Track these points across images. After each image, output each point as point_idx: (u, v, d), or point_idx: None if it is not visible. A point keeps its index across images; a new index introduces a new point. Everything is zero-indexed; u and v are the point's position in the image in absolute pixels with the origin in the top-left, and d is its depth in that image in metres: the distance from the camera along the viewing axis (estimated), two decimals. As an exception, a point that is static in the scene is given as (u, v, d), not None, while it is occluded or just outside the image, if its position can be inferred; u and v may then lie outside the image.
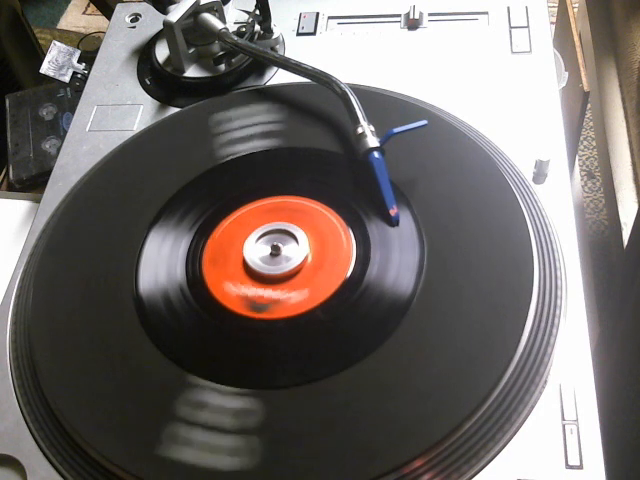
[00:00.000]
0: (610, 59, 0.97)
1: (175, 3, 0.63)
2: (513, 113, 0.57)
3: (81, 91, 0.66)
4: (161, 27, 0.63)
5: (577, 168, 1.11)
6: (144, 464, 0.42)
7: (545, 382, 0.43)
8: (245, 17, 0.65)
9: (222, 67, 0.63)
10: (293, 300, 0.47)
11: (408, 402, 0.42)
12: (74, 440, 0.44)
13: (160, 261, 0.51)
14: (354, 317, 0.46)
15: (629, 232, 0.81)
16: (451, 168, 0.53)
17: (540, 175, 0.52)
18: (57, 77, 0.68)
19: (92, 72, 0.67)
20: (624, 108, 0.91)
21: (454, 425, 0.41)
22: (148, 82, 0.65)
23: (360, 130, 0.53)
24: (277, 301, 0.47)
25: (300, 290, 0.48)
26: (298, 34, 0.67)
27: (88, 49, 1.30)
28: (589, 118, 1.25)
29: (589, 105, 1.04)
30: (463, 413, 0.41)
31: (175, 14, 0.60)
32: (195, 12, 0.62)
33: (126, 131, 0.61)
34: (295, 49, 0.65)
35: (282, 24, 0.66)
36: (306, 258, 0.49)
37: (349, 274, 0.48)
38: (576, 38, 0.80)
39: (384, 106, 0.57)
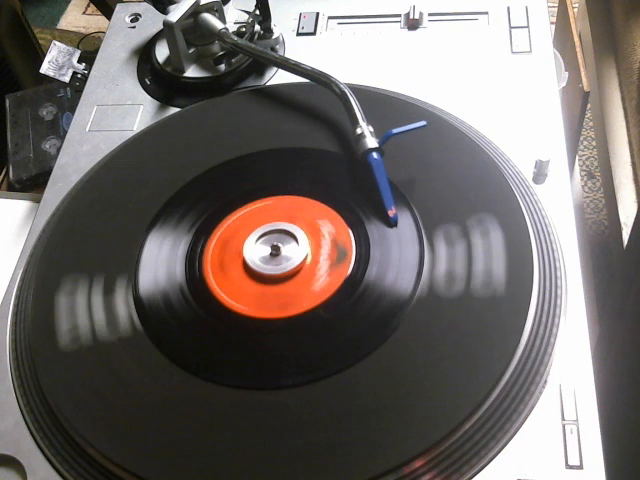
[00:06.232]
0: (610, 59, 0.97)
1: (175, 3, 0.63)
2: (513, 113, 0.57)
3: (81, 91, 0.66)
4: (161, 27, 0.63)
5: (577, 168, 1.11)
6: (144, 464, 0.42)
7: (545, 382, 0.43)
8: (245, 17, 0.65)
9: (222, 67, 0.63)
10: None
11: (408, 402, 0.42)
12: (74, 440, 0.44)
13: (160, 261, 0.51)
14: (354, 317, 0.46)
15: (629, 232, 0.81)
16: (451, 168, 0.53)
17: (540, 175, 0.52)
18: (57, 77, 0.68)
19: (92, 72, 0.67)
20: (624, 108, 0.91)
21: (454, 425, 0.41)
22: (148, 82, 0.65)
23: (359, 131, 0.53)
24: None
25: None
26: (298, 34, 0.67)
27: (88, 49, 1.30)
28: (589, 118, 1.25)
29: (589, 105, 1.04)
30: (463, 413, 0.41)
31: (175, 14, 0.60)
32: (195, 12, 0.62)
33: (126, 131, 0.61)
34: (295, 49, 0.65)
35: (282, 24, 0.66)
36: (306, 258, 0.49)
37: (349, 274, 0.48)
38: (576, 38, 0.80)
39: (384, 106, 0.57)
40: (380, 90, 0.60)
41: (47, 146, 0.77)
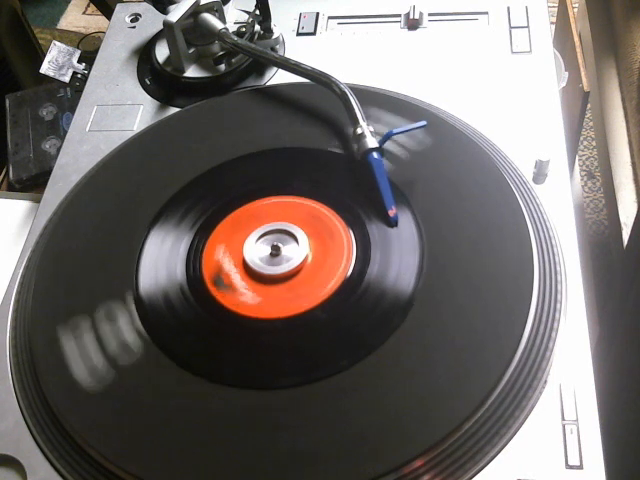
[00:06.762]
0: (610, 59, 0.97)
1: (175, 3, 0.63)
2: (513, 113, 0.57)
3: (81, 91, 0.66)
4: (161, 27, 0.63)
5: (577, 168, 1.11)
6: (144, 464, 0.42)
7: (545, 382, 0.43)
8: (245, 17, 0.65)
9: (222, 67, 0.63)
10: (244, 299, 0.48)
11: (408, 402, 0.42)
12: (74, 440, 0.44)
13: (160, 261, 0.51)
14: (354, 317, 0.46)
15: (629, 232, 0.81)
16: (451, 168, 0.53)
17: (540, 175, 0.52)
18: (57, 77, 0.68)
19: (92, 72, 0.67)
20: (624, 108, 0.91)
21: (454, 425, 0.41)
22: (148, 82, 0.65)
23: (359, 130, 0.53)
24: (234, 289, 0.48)
25: (257, 294, 0.48)
26: (298, 34, 0.67)
27: (88, 49, 1.30)
28: (589, 118, 1.25)
29: (589, 105, 1.04)
30: (463, 413, 0.41)
31: (175, 14, 0.60)
32: (195, 12, 0.62)
33: (126, 131, 0.61)
34: (295, 49, 0.65)
35: (282, 24, 0.66)
36: (306, 258, 0.49)
37: (349, 274, 0.48)
38: (576, 38, 0.80)
39: (384, 106, 0.57)
40: (380, 90, 0.60)
41: (47, 146, 0.77)
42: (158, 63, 0.64)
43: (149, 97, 0.64)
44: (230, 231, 0.51)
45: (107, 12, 1.29)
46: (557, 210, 0.51)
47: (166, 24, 0.60)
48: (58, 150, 0.63)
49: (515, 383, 0.42)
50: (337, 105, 0.56)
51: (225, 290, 0.48)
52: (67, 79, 0.68)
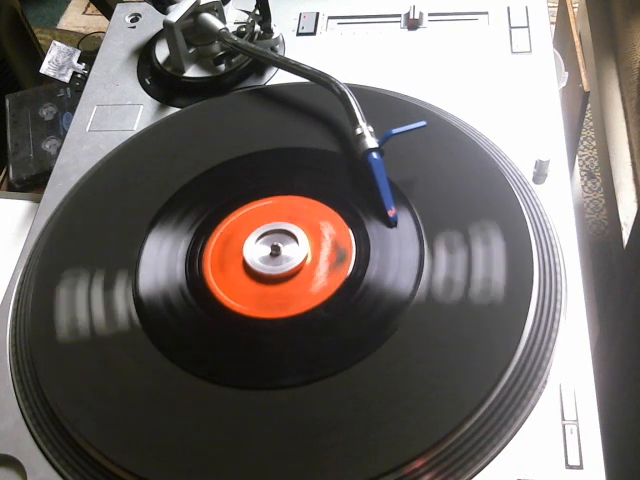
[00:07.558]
0: (610, 59, 0.97)
1: (175, 3, 0.63)
2: (513, 113, 0.57)
3: (81, 91, 0.66)
4: (161, 27, 0.63)
5: (577, 168, 1.11)
6: (144, 464, 0.42)
7: (545, 382, 0.43)
8: (245, 17, 0.66)
9: (222, 67, 0.63)
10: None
11: (408, 402, 0.42)
12: (74, 440, 0.44)
13: (160, 261, 0.51)
14: (354, 317, 0.46)
15: (629, 232, 0.81)
16: (451, 168, 0.53)
17: (540, 175, 0.52)
18: (57, 77, 0.68)
19: (92, 72, 0.67)
20: (624, 108, 0.91)
21: (454, 425, 0.41)
22: (148, 82, 0.65)
23: (359, 131, 0.53)
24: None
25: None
26: (298, 34, 0.67)
27: (88, 49, 1.30)
28: (589, 118, 1.25)
29: (589, 105, 1.04)
30: (463, 413, 0.41)
31: (175, 14, 0.60)
32: (195, 12, 0.62)
33: (126, 131, 0.61)
34: (295, 49, 0.65)
35: (282, 24, 0.66)
36: (306, 258, 0.49)
37: (349, 274, 0.48)
38: (576, 38, 0.80)
39: (384, 106, 0.57)
40: (380, 90, 0.60)
41: (47, 146, 0.77)
42: (158, 63, 0.64)
43: (149, 97, 0.64)
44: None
45: (107, 12, 1.29)
46: (557, 210, 0.51)
47: (166, 24, 0.60)
48: (58, 150, 0.63)
49: (515, 383, 0.42)
50: (337, 105, 0.56)
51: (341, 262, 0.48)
52: (67, 79, 0.68)
